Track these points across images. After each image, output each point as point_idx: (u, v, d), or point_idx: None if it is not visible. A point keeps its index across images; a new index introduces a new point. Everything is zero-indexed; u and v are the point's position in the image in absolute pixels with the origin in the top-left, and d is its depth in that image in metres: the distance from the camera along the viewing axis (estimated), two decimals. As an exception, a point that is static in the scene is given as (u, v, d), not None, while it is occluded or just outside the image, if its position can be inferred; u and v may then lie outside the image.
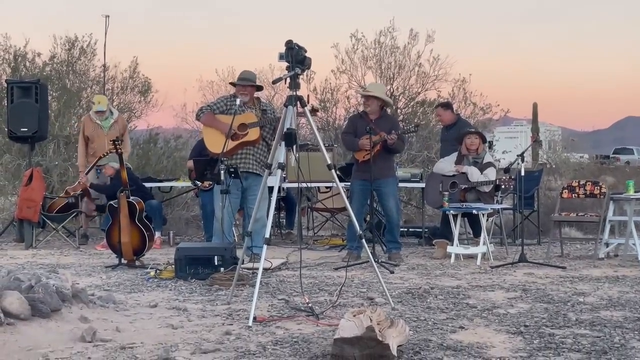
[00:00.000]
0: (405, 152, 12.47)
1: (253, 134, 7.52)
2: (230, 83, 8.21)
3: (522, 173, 8.00)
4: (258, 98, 7.91)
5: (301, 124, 12.12)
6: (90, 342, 4.29)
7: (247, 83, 7.66)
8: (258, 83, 7.96)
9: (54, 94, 12.71)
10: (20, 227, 9.76)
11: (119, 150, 7.84)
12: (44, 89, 10.69)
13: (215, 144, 7.52)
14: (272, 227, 8.25)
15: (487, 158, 8.71)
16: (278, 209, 10.35)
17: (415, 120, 13.41)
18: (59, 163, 11.98)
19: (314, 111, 5.63)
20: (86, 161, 9.98)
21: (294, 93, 5.37)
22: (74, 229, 9.92)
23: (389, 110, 9.13)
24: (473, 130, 8.66)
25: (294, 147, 5.34)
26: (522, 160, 7.97)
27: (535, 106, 25.75)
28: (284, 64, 5.46)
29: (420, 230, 9.90)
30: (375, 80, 13.42)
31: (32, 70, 12.90)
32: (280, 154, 5.34)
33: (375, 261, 5.91)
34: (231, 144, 7.35)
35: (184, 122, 17.56)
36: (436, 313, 5.25)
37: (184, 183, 10.49)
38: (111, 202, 7.86)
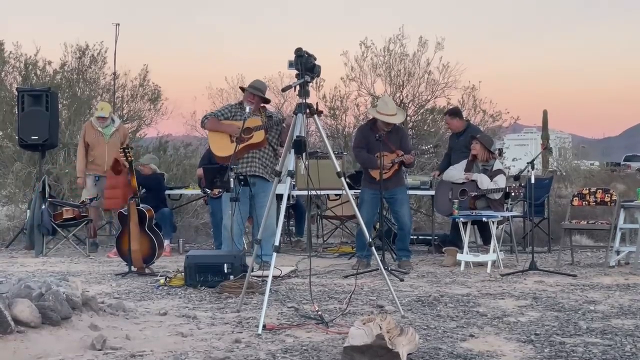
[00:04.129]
0: (415, 160, 12.47)
1: (258, 136, 7.56)
2: (241, 87, 8.24)
3: (532, 180, 7.98)
4: (264, 106, 7.93)
5: (311, 132, 12.12)
6: (100, 350, 4.29)
7: (257, 93, 7.70)
8: (269, 95, 8.01)
9: (64, 102, 12.74)
10: (30, 235, 9.78)
11: (129, 158, 7.86)
12: (55, 97, 10.74)
13: (221, 148, 7.57)
14: (281, 234, 8.25)
15: (497, 165, 8.69)
16: (287, 216, 10.36)
17: (425, 128, 13.44)
18: (69, 171, 12.00)
19: (318, 112, 5.62)
20: (85, 168, 9.99)
21: (304, 101, 5.38)
22: (84, 236, 9.95)
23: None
24: (478, 136, 8.66)
25: (304, 154, 5.34)
26: (532, 168, 7.95)
27: (545, 113, 25.71)
28: (294, 72, 5.47)
29: (430, 237, 9.89)
30: (384, 88, 13.42)
31: (42, 78, 12.95)
32: (289, 161, 5.34)
33: (385, 269, 5.89)
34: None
35: (193, 129, 17.59)
36: (446, 321, 5.24)
37: (194, 191, 10.52)
38: (121, 210, 7.88)
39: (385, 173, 7.93)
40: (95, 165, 9.96)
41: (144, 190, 9.49)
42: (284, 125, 7.60)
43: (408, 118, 13.38)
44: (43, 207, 9.53)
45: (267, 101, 8.02)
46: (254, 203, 7.66)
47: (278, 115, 8.27)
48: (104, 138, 9.95)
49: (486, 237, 8.49)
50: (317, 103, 5.71)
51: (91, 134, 10.01)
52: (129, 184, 7.85)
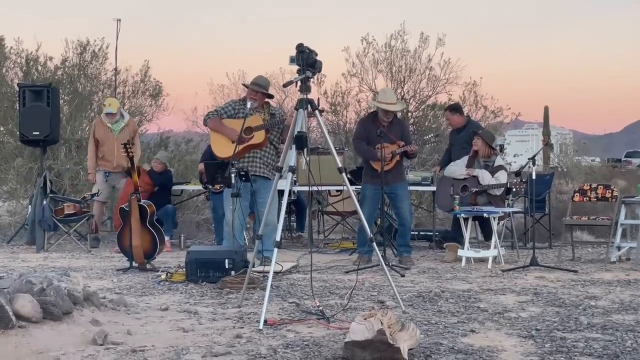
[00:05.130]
0: (416, 156, 12.47)
1: (259, 136, 7.55)
2: (243, 84, 8.22)
3: (534, 176, 7.98)
4: (267, 102, 7.92)
5: (312, 128, 12.12)
6: (101, 345, 4.30)
7: (259, 89, 7.69)
8: (270, 91, 7.99)
9: (65, 98, 12.73)
10: (31, 231, 9.79)
11: (130, 154, 7.86)
12: (56, 92, 10.73)
13: (222, 148, 7.57)
14: (282, 230, 8.25)
15: (498, 161, 8.68)
16: (289, 212, 10.35)
17: (426, 124, 13.42)
18: (71, 167, 12.01)
19: (320, 111, 5.62)
20: (96, 164, 10.01)
21: (305, 96, 5.38)
22: (85, 232, 9.95)
23: (399, 114, 9.13)
24: (480, 132, 8.67)
25: (305, 150, 5.34)
26: (534, 164, 7.96)
27: (546, 109, 25.73)
28: (295, 67, 5.47)
29: (431, 233, 9.88)
30: (386, 84, 13.40)
31: (44, 74, 12.93)
32: (290, 157, 5.34)
33: (386, 264, 5.90)
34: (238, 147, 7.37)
35: (194, 125, 17.60)
36: (447, 316, 5.24)
37: (195, 186, 10.53)
38: (122, 206, 7.88)
39: (387, 164, 7.92)
40: (105, 161, 9.97)
41: (156, 187, 9.58)
42: (284, 124, 7.58)
43: (409, 114, 13.39)
44: (44, 202, 9.53)
45: (271, 96, 8.02)
46: (255, 199, 7.67)
47: (281, 112, 8.26)
48: (114, 134, 9.96)
49: (487, 233, 8.49)
50: (318, 99, 5.72)
51: (100, 130, 10.02)
52: (132, 179, 7.88)
